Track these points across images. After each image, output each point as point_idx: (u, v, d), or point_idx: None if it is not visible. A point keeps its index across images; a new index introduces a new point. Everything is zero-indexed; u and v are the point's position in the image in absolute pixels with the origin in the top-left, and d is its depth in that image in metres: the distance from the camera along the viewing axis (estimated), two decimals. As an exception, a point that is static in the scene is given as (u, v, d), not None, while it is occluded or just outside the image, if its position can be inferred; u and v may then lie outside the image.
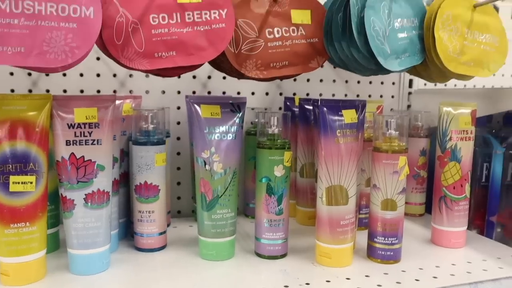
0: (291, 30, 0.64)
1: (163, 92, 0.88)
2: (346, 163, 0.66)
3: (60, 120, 0.63)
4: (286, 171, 0.68)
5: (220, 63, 0.66)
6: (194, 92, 0.88)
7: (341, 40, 0.62)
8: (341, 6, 0.62)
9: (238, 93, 0.90)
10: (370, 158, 0.76)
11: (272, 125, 0.69)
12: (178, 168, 0.90)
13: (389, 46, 0.61)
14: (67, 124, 0.63)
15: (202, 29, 0.58)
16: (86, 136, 0.64)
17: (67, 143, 0.63)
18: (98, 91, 0.85)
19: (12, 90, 0.81)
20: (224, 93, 0.89)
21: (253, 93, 0.92)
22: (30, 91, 0.83)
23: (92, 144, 0.64)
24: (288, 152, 0.68)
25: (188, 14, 0.58)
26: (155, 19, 0.57)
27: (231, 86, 0.89)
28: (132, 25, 0.57)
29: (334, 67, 0.96)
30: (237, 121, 0.69)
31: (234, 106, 0.69)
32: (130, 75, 0.85)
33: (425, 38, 0.67)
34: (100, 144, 0.64)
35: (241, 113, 0.70)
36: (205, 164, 0.67)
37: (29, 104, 0.62)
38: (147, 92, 0.87)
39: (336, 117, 0.66)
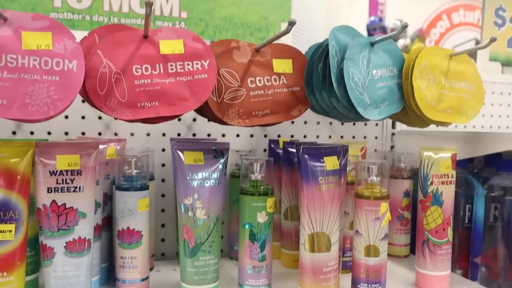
0: (273, 79, 0.66)
1: (148, 134, 0.88)
2: (329, 210, 0.67)
3: (42, 167, 0.63)
4: (269, 217, 0.68)
5: (203, 110, 0.67)
6: (179, 134, 0.89)
7: (322, 90, 0.64)
8: (321, 56, 0.64)
9: (223, 135, 0.91)
10: (352, 201, 0.77)
11: (255, 171, 0.69)
12: (163, 210, 0.90)
13: (368, 96, 0.63)
14: (49, 171, 0.63)
15: (184, 80, 0.59)
16: (68, 183, 0.63)
17: (49, 190, 0.63)
18: (83, 133, 0.85)
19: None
20: (209, 135, 0.90)
21: (237, 135, 0.93)
22: (14, 132, 0.83)
23: (74, 191, 0.63)
24: (271, 198, 0.68)
25: (171, 65, 0.59)
26: (138, 70, 0.58)
27: (216, 128, 0.90)
28: (115, 75, 0.58)
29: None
30: (220, 167, 0.70)
31: (217, 152, 0.70)
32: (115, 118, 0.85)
33: (404, 87, 0.69)
34: (82, 191, 0.64)
35: (224, 159, 0.70)
36: (187, 211, 0.67)
37: (11, 152, 0.62)
38: (132, 134, 0.87)
39: (318, 164, 0.66)
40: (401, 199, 0.93)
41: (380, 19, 2.77)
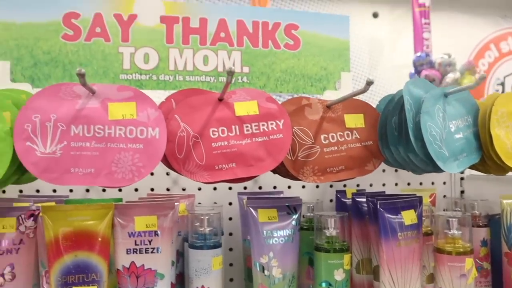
0: (346, 135, 0.65)
1: (215, 188, 0.89)
2: (410, 266, 0.64)
3: (121, 229, 0.64)
4: (347, 275, 0.66)
5: (276, 168, 0.67)
6: (245, 188, 0.89)
7: (397, 144, 0.62)
8: (395, 110, 0.63)
9: (289, 187, 0.91)
10: (430, 254, 0.73)
11: (329, 227, 0.68)
12: (231, 264, 0.89)
13: (447, 149, 0.61)
14: (128, 232, 0.64)
15: (260, 140, 0.60)
16: (146, 244, 0.64)
17: (128, 251, 0.64)
18: (152, 189, 0.87)
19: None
20: (275, 187, 0.90)
21: (303, 187, 0.92)
22: (87, 190, 0.86)
23: (152, 252, 0.64)
24: (347, 255, 0.66)
25: (247, 126, 0.60)
26: (215, 133, 0.59)
27: (281, 180, 0.89)
28: (193, 139, 0.59)
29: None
30: (293, 223, 0.69)
31: (290, 208, 0.69)
32: (183, 173, 0.87)
33: (481, 136, 0.66)
34: (160, 252, 0.64)
35: (297, 215, 0.69)
36: (263, 270, 0.66)
37: (92, 214, 0.63)
38: (199, 189, 0.88)
39: (396, 219, 0.64)
40: (479, 248, 0.88)
41: (427, 54, 2.73)
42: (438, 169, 0.62)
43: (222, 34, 0.91)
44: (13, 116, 0.57)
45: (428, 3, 2.78)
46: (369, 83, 0.54)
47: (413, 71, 2.70)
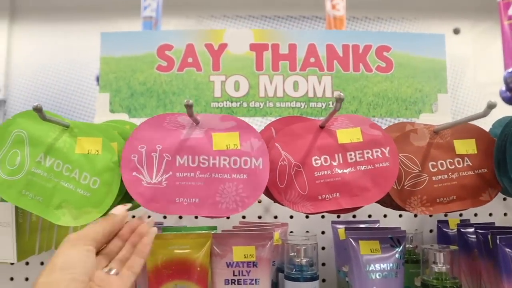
0: (456, 162, 0.60)
1: (307, 217, 0.86)
2: (535, 310, 0.57)
3: (219, 259, 0.64)
4: (459, 315, 0.60)
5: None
6: (338, 217, 0.86)
7: (520, 172, 0.56)
8: (514, 135, 0.57)
9: (385, 215, 0.86)
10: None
11: (438, 262, 0.63)
12: (323, 297, 0.86)
13: None
14: (226, 262, 0.63)
15: (365, 169, 0.57)
16: (245, 275, 0.63)
17: (226, 282, 0.63)
18: (243, 217, 0.86)
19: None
20: (369, 216, 0.86)
21: (400, 216, 0.87)
22: (180, 217, 0.87)
23: (250, 283, 0.63)
24: (460, 293, 0.60)
25: (350, 154, 0.57)
26: (317, 161, 0.57)
27: (376, 208, 0.85)
28: (294, 168, 0.57)
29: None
30: (397, 256, 0.64)
31: (393, 240, 0.65)
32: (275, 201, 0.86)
33: None
34: (258, 283, 0.63)
35: (401, 248, 0.65)
36: (366, 306, 0.62)
37: (190, 243, 0.63)
38: (291, 217, 0.86)
39: (518, 256, 0.58)
40: None
41: (519, 70, 2.54)
42: None
43: (312, 59, 0.90)
44: (119, 147, 0.60)
45: (518, 15, 2.60)
46: (491, 106, 0.49)
47: (504, 88, 2.52)
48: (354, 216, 0.86)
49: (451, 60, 3.42)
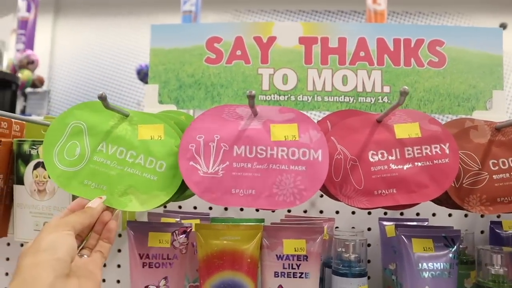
0: (519, 160, 0.58)
1: (353, 212, 0.85)
2: None
3: (269, 251, 0.64)
4: (517, 320, 0.59)
5: (435, 195, 0.62)
6: (385, 214, 0.84)
7: None
8: None
9: (434, 214, 0.84)
10: None
11: (495, 264, 0.61)
12: (368, 294, 0.85)
13: None
14: (276, 255, 0.64)
15: (423, 165, 0.55)
16: (295, 269, 0.63)
17: (276, 274, 0.63)
18: (289, 211, 0.86)
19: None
20: (417, 214, 0.84)
21: (450, 215, 0.84)
22: (226, 209, 0.87)
23: (300, 277, 0.63)
24: (518, 297, 0.59)
25: (408, 150, 0.56)
26: (374, 156, 0.56)
27: (425, 207, 0.83)
28: (350, 162, 0.56)
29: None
30: (451, 256, 0.63)
31: (447, 239, 0.63)
32: (321, 195, 0.85)
33: None
34: (308, 277, 0.63)
35: (455, 248, 0.63)
36: (417, 305, 0.61)
37: (241, 234, 0.64)
38: (337, 212, 0.85)
39: None
40: None
41: None
42: None
43: (362, 53, 0.89)
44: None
45: None
46: None
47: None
48: (401, 214, 0.84)
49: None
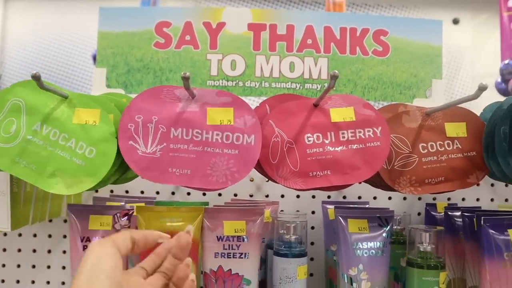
0: (446, 144, 0.61)
1: (298, 196, 0.87)
2: (515, 290, 0.59)
3: (210, 232, 0.65)
4: (443, 294, 0.62)
5: (368, 177, 0.65)
6: (329, 197, 0.87)
7: (507, 156, 0.58)
8: (504, 118, 0.58)
9: (375, 197, 0.87)
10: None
11: (424, 242, 0.64)
12: (311, 275, 0.87)
13: None
14: (216, 236, 0.65)
15: (356, 148, 0.58)
16: (234, 249, 0.64)
17: (216, 255, 0.64)
18: (235, 195, 0.87)
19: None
20: (359, 197, 0.87)
21: (389, 198, 0.88)
22: (173, 193, 0.88)
23: (240, 257, 0.64)
24: (444, 272, 0.62)
25: (343, 133, 0.58)
26: (309, 139, 0.58)
27: (366, 190, 0.86)
28: (287, 144, 0.58)
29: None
30: (384, 235, 0.66)
31: (381, 219, 0.66)
32: (267, 180, 0.87)
33: None
34: (248, 257, 0.64)
35: (388, 227, 0.66)
36: (352, 282, 0.64)
37: (182, 216, 0.65)
38: (282, 196, 0.87)
39: (502, 238, 0.59)
40: None
41: (516, 62, 2.55)
42: (553, 185, 0.56)
43: (309, 41, 0.90)
44: (116, 118, 0.60)
45: (518, 7, 2.60)
46: (482, 89, 0.50)
47: (499, 79, 2.53)
48: (344, 197, 0.87)
49: (450, 50, 3.42)
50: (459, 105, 0.62)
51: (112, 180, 0.62)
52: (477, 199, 0.90)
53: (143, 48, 0.93)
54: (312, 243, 0.88)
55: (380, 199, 0.87)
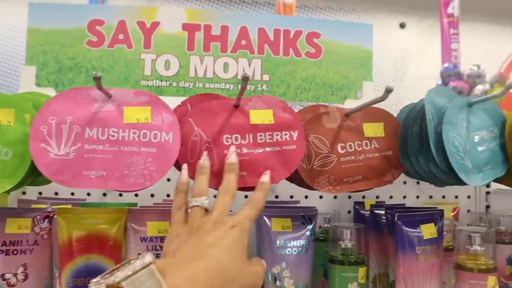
0: (364, 144, 0.63)
1: (231, 196, 0.88)
2: (428, 282, 0.61)
3: (133, 233, 0.64)
4: (362, 289, 0.64)
5: (291, 176, 0.66)
6: (262, 197, 0.88)
7: (418, 154, 0.60)
8: (416, 120, 0.61)
9: (306, 197, 0.89)
10: (451, 270, 0.70)
11: (345, 239, 0.66)
12: (245, 274, 0.88)
13: (470, 161, 0.59)
14: (140, 237, 0.64)
15: (273, 150, 0.59)
16: (158, 250, 0.64)
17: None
18: (168, 195, 0.87)
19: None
20: (291, 197, 0.88)
21: (321, 197, 0.90)
22: (104, 194, 0.86)
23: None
24: (363, 268, 0.64)
25: (261, 135, 0.59)
26: (228, 139, 0.58)
27: (299, 190, 0.88)
28: (205, 144, 0.58)
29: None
30: (307, 233, 0.67)
31: (305, 218, 0.68)
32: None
33: (508, 148, 0.64)
34: (171, 258, 0.64)
35: (312, 225, 0.68)
36: (275, 280, 0.65)
37: (105, 218, 0.64)
38: (214, 196, 0.87)
39: (415, 233, 0.62)
40: (505, 266, 0.84)
41: (455, 66, 2.67)
42: (460, 182, 0.59)
43: (243, 42, 0.91)
44: (32, 118, 0.58)
45: (457, 13, 2.72)
46: (388, 91, 0.52)
47: (440, 82, 2.64)
48: (276, 197, 0.89)
49: (396, 54, 3.54)
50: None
51: (28, 181, 0.60)
52: (404, 197, 0.93)
53: (75, 46, 0.90)
54: (245, 243, 0.88)
55: (311, 198, 0.89)
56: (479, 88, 2.56)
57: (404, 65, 3.46)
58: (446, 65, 2.59)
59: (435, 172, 0.60)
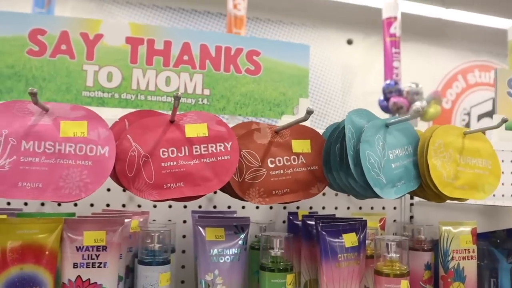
0: (292, 159, 0.68)
1: (170, 206, 0.91)
2: (349, 287, 0.67)
3: (69, 243, 0.66)
4: (289, 294, 0.69)
5: (225, 188, 0.70)
6: (200, 207, 0.91)
7: (339, 170, 0.66)
8: (338, 138, 0.66)
9: (243, 207, 0.93)
10: (372, 276, 0.76)
11: (275, 247, 0.71)
12: (182, 282, 0.91)
13: (384, 176, 0.65)
14: (76, 247, 0.65)
15: (208, 161, 0.62)
16: (94, 259, 0.66)
17: (75, 265, 0.65)
18: (108, 205, 0.88)
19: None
20: (229, 207, 0.92)
21: (257, 207, 0.94)
22: (42, 204, 0.86)
23: (98, 267, 0.65)
24: (290, 274, 0.69)
25: (196, 148, 0.62)
26: (164, 153, 0.62)
27: (236, 201, 0.92)
28: (143, 158, 0.61)
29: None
30: (240, 242, 0.71)
31: (237, 228, 0.71)
32: (140, 191, 0.89)
33: (419, 165, 0.71)
34: (107, 266, 0.66)
35: (244, 234, 0.72)
36: (208, 287, 0.68)
37: (41, 228, 0.64)
38: (154, 206, 0.90)
39: (337, 241, 0.67)
40: (423, 272, 0.92)
41: (396, 82, 2.83)
42: (376, 195, 0.65)
43: (185, 57, 0.94)
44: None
45: (399, 33, 2.89)
46: (309, 112, 0.58)
47: (382, 97, 2.79)
48: (214, 207, 0.92)
49: (343, 69, 3.70)
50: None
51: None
52: (336, 208, 1.00)
53: (15, 55, 0.90)
54: (183, 251, 0.91)
55: (248, 208, 0.94)
56: (417, 104, 2.73)
57: (351, 79, 3.61)
58: (388, 81, 2.74)
59: (354, 186, 0.65)
